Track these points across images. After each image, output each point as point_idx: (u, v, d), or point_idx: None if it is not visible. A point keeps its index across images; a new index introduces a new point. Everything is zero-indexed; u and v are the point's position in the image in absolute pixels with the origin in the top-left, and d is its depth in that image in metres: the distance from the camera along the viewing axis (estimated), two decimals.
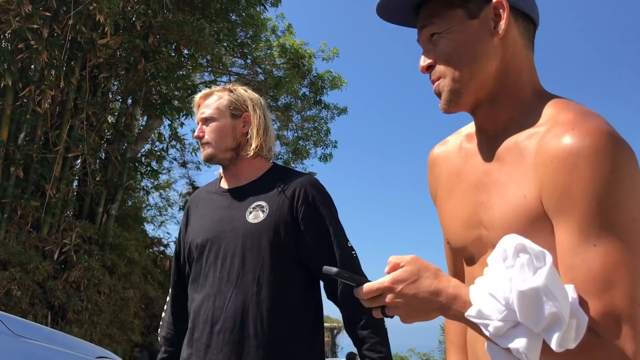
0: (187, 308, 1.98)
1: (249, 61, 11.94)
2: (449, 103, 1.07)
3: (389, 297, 0.97)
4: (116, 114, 9.63)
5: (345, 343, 23.36)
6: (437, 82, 1.08)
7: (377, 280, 0.99)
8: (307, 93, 13.36)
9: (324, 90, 13.29)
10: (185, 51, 9.43)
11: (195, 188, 13.36)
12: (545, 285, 0.83)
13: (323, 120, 13.78)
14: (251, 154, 1.98)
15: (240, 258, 1.85)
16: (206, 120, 2.00)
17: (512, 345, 0.87)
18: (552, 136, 0.94)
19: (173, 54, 9.29)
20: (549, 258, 0.87)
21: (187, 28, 8.24)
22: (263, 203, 1.91)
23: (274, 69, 12.51)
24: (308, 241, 1.88)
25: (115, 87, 9.58)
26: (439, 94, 1.09)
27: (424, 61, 1.10)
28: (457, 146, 1.20)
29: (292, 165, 14.03)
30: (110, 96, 9.51)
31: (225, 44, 10.20)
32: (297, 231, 1.88)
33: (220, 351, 1.80)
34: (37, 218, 7.87)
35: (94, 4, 6.94)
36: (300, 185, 1.93)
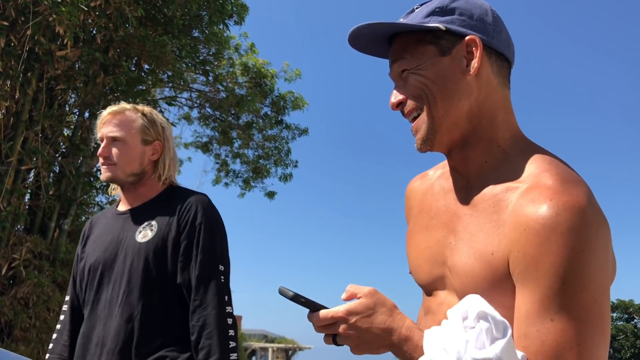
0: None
1: (210, 78, 11.90)
2: (424, 142, 1.06)
3: (341, 328, 0.99)
4: (72, 127, 9.45)
5: None
6: (415, 121, 1.07)
7: (332, 308, 1.00)
8: (269, 112, 13.37)
9: (286, 111, 13.33)
10: (146, 66, 9.35)
11: None
12: (499, 359, 0.85)
13: (284, 140, 13.79)
14: (160, 184, 2.00)
15: (127, 278, 1.83)
16: (114, 140, 1.95)
17: None
18: (529, 201, 0.93)
19: (133, 69, 9.20)
20: (508, 331, 0.88)
21: (149, 43, 8.18)
22: (153, 222, 1.90)
23: (236, 87, 12.50)
24: (180, 258, 1.84)
25: (73, 99, 9.41)
26: (416, 132, 1.07)
27: (394, 97, 1.08)
28: (433, 182, 1.20)
29: (252, 184, 13.97)
30: (67, 109, 9.33)
31: (187, 61, 10.16)
32: (178, 250, 1.85)
33: None
34: None
35: (54, 15, 6.84)
36: (189, 204, 1.91)
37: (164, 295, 1.81)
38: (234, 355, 1.74)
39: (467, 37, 1.03)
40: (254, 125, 13.37)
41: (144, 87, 9.71)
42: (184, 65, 10.13)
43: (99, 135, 1.99)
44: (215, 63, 11.44)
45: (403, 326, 0.99)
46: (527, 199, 0.94)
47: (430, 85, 1.04)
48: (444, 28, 1.03)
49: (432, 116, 1.04)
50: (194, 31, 10.13)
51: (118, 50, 8.49)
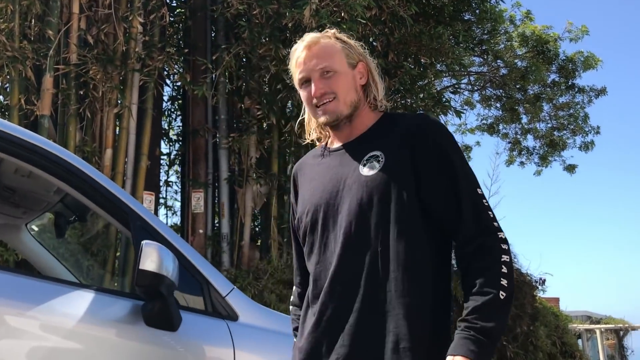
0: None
1: (489, 58, 11.49)
2: None
3: None
4: None
5: (635, 345, 21.05)
6: None
7: None
8: (557, 79, 12.39)
9: (576, 73, 12.18)
10: (423, 60, 9.43)
11: None
12: None
13: (579, 106, 12.65)
14: (373, 111, 1.82)
15: (358, 216, 1.66)
16: (326, 73, 1.75)
17: None
18: None
19: (412, 66, 9.36)
20: None
21: (425, 37, 8.22)
22: (378, 152, 1.71)
23: (516, 60, 11.87)
24: (430, 188, 1.66)
25: None
26: None
27: None
28: None
29: (550, 159, 13.11)
30: None
31: (463, 45, 9.97)
32: (418, 178, 1.66)
33: (347, 322, 1.62)
34: None
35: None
36: (417, 126, 1.71)
37: (403, 234, 1.63)
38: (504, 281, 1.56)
39: None
40: (542, 95, 12.52)
41: (425, 81, 9.81)
42: (462, 51, 9.96)
43: (299, 76, 1.80)
44: (492, 41, 11.02)
45: None
46: None
47: None
48: None
49: None
50: (464, 14, 9.90)
51: (396, 52, 8.70)
